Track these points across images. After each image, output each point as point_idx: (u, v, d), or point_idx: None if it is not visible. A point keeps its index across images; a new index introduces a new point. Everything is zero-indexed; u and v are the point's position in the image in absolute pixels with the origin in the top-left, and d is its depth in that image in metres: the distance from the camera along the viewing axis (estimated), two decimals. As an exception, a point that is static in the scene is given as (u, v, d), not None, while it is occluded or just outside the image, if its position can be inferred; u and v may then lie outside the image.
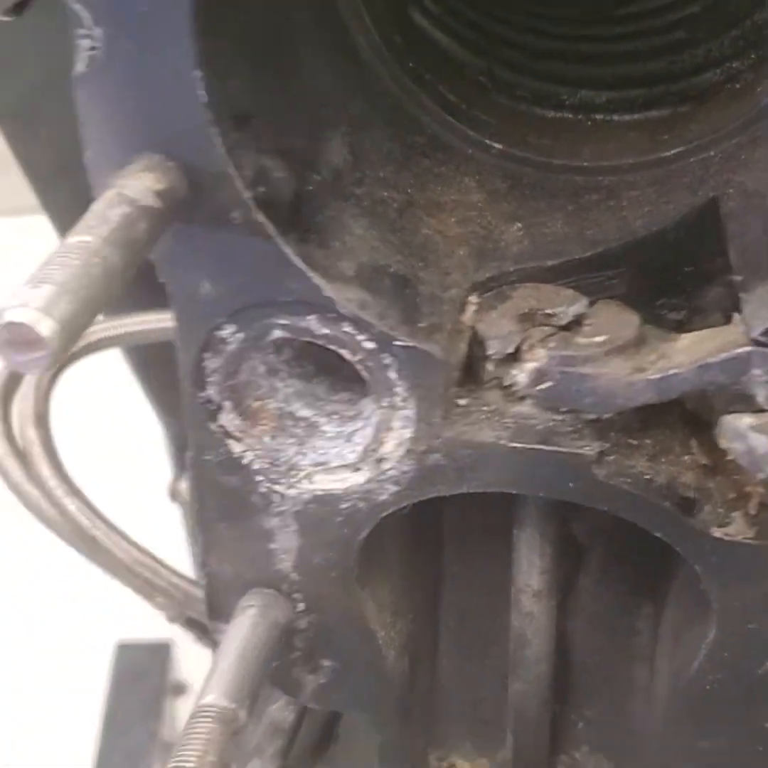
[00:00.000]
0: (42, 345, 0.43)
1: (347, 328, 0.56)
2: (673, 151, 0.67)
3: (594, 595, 0.76)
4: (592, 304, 0.61)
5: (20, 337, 0.43)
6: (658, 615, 0.73)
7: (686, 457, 0.60)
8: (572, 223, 0.65)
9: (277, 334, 0.57)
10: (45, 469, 0.98)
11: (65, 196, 1.28)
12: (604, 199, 0.67)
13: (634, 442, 0.59)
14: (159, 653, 2.63)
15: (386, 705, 0.69)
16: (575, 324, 0.60)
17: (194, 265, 0.56)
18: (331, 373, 0.64)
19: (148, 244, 0.50)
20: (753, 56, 0.74)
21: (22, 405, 1.02)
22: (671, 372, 0.55)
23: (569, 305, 0.60)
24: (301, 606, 0.65)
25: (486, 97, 0.74)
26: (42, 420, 1.01)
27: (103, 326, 1.06)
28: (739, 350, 0.53)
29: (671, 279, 0.65)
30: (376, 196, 0.62)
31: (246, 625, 0.63)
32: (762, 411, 0.54)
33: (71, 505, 0.97)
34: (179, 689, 2.63)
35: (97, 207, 0.49)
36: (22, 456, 1.00)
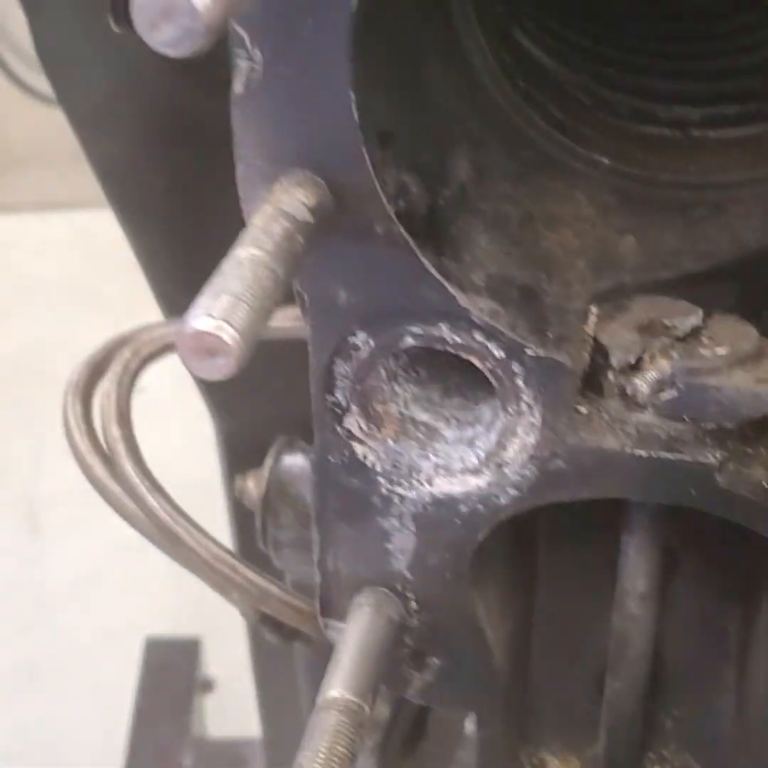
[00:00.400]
0: (225, 352, 0.45)
1: (479, 336, 0.58)
2: (777, 169, 0.69)
3: (686, 597, 0.77)
4: (706, 316, 0.63)
5: (204, 345, 0.45)
6: (751, 617, 0.75)
7: (798, 467, 0.62)
8: (684, 237, 0.67)
9: (409, 342, 0.59)
10: (128, 467, 1.00)
11: (134, 194, 1.31)
12: (712, 213, 0.69)
13: (750, 452, 0.61)
14: (188, 649, 2.66)
15: (491, 703, 0.71)
16: (692, 336, 0.62)
17: (333, 275, 0.58)
18: (441, 379, 0.66)
19: (303, 257, 0.52)
20: None
21: (104, 402, 1.04)
22: (795, 384, 0.57)
23: (686, 317, 0.62)
24: (413, 605, 0.67)
25: (589, 114, 0.76)
26: (124, 418, 1.03)
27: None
28: None
29: (778, 293, 0.67)
30: (498, 210, 0.64)
31: (363, 623, 0.65)
32: None
33: (154, 501, 0.99)
34: (208, 685, 2.66)
35: (258, 222, 0.51)
36: (104, 453, 1.02)
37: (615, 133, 0.75)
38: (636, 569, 0.68)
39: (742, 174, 0.70)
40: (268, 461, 1.14)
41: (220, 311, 0.45)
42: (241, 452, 1.54)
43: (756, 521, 0.60)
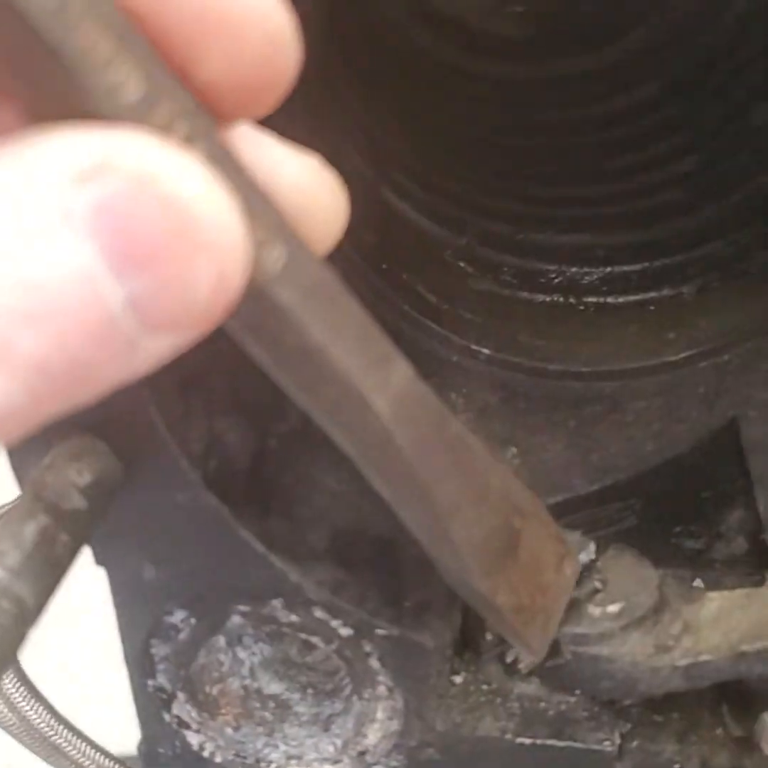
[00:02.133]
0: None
1: (319, 613, 0.48)
2: (681, 355, 0.60)
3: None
4: (600, 547, 0.53)
5: None
6: None
7: (718, 730, 0.52)
8: (574, 445, 0.57)
9: (237, 621, 0.49)
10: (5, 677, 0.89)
11: None
12: (608, 411, 0.59)
13: (660, 719, 0.51)
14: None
15: None
16: (584, 574, 0.52)
17: (134, 548, 0.48)
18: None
19: (71, 557, 0.41)
20: (762, 228, 0.67)
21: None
22: (702, 658, 0.46)
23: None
24: None
25: (468, 287, 0.66)
26: None
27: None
28: (783, 639, 0.45)
29: (688, 504, 0.57)
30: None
31: None
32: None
33: (31, 711, 0.88)
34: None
35: (10, 522, 0.40)
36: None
37: (498, 309, 0.65)
38: None
39: (641, 360, 0.61)
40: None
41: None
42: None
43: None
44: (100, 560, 0.48)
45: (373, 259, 0.61)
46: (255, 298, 0.28)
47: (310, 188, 0.28)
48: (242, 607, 0.48)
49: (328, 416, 0.35)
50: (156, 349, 0.23)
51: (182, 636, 0.49)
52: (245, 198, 0.25)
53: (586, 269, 0.69)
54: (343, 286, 0.31)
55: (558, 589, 0.46)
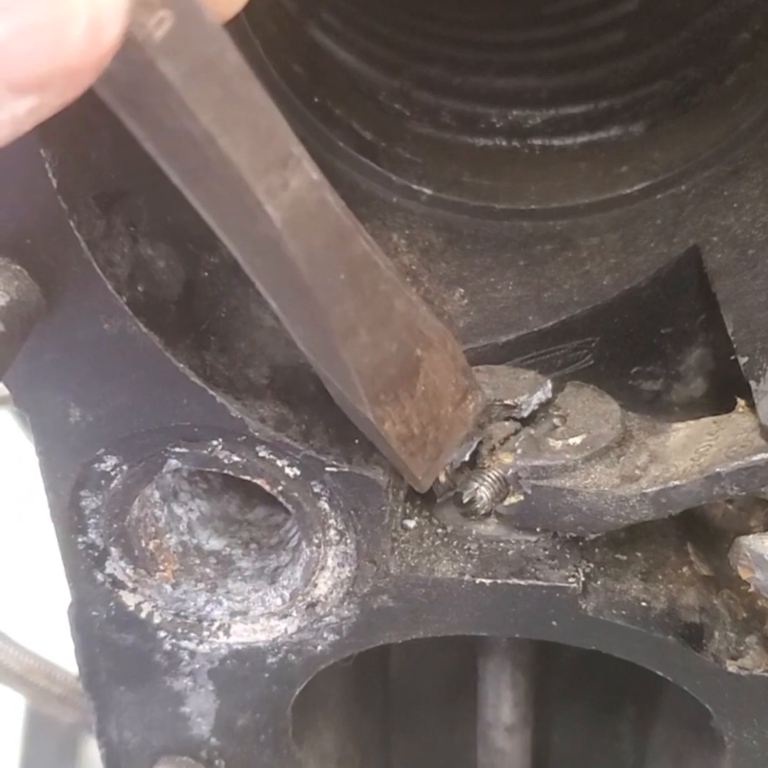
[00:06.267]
0: None
1: (264, 452, 0.44)
2: (635, 188, 0.57)
3: (568, 695, 0.65)
4: (556, 385, 0.50)
5: None
6: (645, 718, 0.63)
7: (685, 569, 0.50)
8: (526, 283, 0.54)
9: (174, 464, 0.45)
10: None
11: None
12: (560, 249, 0.56)
13: (623, 558, 0.49)
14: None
15: None
16: (540, 416, 0.49)
17: (58, 388, 0.43)
18: (244, 483, 0.52)
19: None
20: (711, 63, 0.64)
21: None
22: (672, 484, 0.44)
23: (531, 392, 0.49)
24: (226, 773, 0.53)
25: (406, 129, 0.62)
26: None
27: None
28: (757, 458, 0.42)
29: (646, 343, 0.55)
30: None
31: (159, 807, 0.51)
32: (787, 529, 0.44)
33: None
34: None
35: None
36: None
37: (439, 151, 0.61)
38: (498, 698, 0.55)
39: (593, 195, 0.58)
40: None
41: None
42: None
43: (634, 652, 0.47)
44: (20, 403, 0.43)
45: (303, 91, 0.56)
46: (133, 65, 0.26)
47: None
48: (179, 449, 0.44)
49: (213, 214, 0.34)
50: (15, 110, 0.21)
51: (114, 485, 0.45)
52: None
53: (529, 112, 0.65)
54: (248, 72, 0.29)
55: (454, 424, 0.45)
